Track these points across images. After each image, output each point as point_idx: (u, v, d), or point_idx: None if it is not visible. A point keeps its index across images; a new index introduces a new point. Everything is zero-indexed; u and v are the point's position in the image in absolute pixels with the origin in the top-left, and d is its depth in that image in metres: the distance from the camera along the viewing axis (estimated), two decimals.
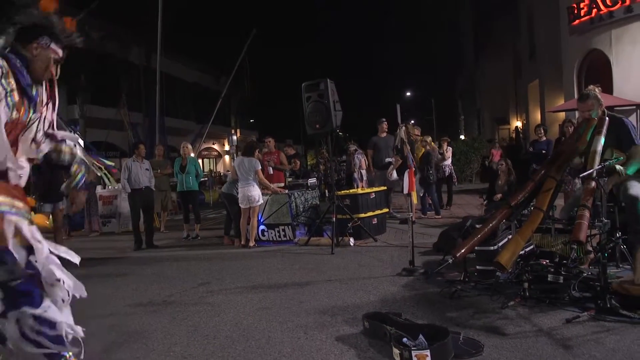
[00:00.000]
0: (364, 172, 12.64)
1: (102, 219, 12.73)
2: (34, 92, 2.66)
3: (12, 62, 2.56)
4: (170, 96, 26.60)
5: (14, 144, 2.62)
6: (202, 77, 40.78)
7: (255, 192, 8.39)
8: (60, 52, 2.74)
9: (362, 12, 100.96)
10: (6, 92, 2.49)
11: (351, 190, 9.72)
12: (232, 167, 8.76)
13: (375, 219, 8.94)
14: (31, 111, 2.66)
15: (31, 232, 2.54)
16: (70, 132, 11.83)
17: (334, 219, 7.92)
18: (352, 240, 8.09)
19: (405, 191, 6.15)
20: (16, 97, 2.55)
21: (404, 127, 6.88)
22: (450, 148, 13.16)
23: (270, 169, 10.05)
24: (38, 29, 2.68)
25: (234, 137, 35.39)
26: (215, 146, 42.90)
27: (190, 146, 10.40)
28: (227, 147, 43.54)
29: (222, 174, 30.15)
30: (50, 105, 2.80)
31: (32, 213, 2.72)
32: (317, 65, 51.54)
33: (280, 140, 18.44)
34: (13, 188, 2.61)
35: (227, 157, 44.32)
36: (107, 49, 27.30)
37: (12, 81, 2.54)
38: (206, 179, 23.26)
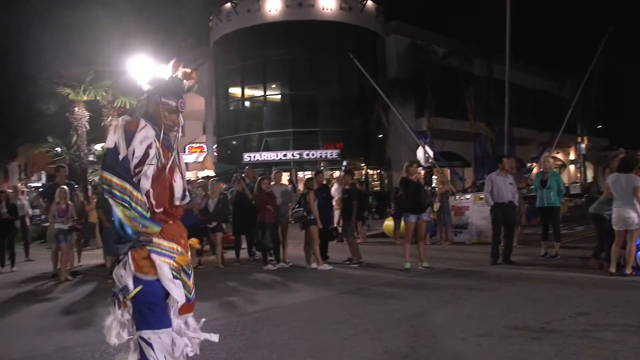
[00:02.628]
0: None
1: (453, 228, 13.06)
2: (167, 142, 3.22)
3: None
4: (512, 104, 26.05)
5: (170, 188, 3.18)
6: (545, 84, 38.88)
7: (634, 213, 7.36)
8: (172, 102, 3.20)
9: None
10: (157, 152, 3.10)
11: None
12: (606, 184, 7.89)
13: None
14: (171, 156, 3.23)
15: (165, 271, 3.04)
16: (422, 143, 12.57)
17: None
18: None
19: None
20: (159, 147, 3.13)
21: None
22: None
23: None
24: (152, 90, 3.25)
25: (582, 146, 32.60)
26: (559, 155, 40.30)
27: (551, 160, 9.82)
28: (572, 157, 40.54)
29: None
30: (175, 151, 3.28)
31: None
32: None
33: (631, 147, 16.10)
34: (169, 229, 3.15)
35: (571, 167, 41.25)
36: (451, 63, 28.40)
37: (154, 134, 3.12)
38: None
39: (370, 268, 9.57)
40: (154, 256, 3.03)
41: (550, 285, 7.16)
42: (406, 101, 27.25)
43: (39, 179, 39.04)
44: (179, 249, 3.16)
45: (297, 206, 10.06)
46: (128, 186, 2.96)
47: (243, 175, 11.34)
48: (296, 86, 29.24)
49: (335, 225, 10.93)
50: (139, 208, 2.97)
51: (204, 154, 23.48)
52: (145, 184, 3.06)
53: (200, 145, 33.86)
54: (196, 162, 20.47)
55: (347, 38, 29.11)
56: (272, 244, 9.75)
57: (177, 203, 3.26)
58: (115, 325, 3.13)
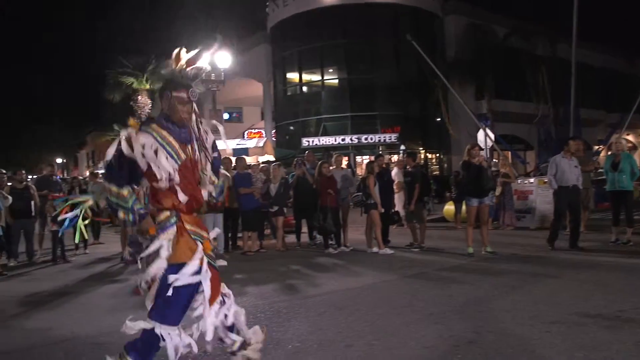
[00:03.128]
0: None
1: (516, 213, 12.73)
2: (185, 136, 3.36)
3: (161, 123, 3.31)
4: (578, 84, 25.07)
5: (196, 181, 3.42)
6: (613, 62, 37.07)
7: None
8: (183, 95, 3.33)
9: None
10: (162, 144, 3.21)
11: None
12: None
13: None
14: (196, 150, 3.41)
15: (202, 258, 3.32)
16: (483, 126, 12.32)
17: None
18: None
19: None
20: (175, 145, 3.28)
21: None
22: None
23: None
24: (163, 87, 3.43)
25: None
26: (630, 137, 38.42)
27: (624, 142, 9.40)
28: None
29: None
30: (195, 142, 3.43)
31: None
32: None
33: None
34: (196, 220, 3.42)
35: None
36: (512, 44, 27.49)
37: (167, 136, 3.27)
38: None
39: (432, 253, 9.49)
40: (198, 242, 3.34)
41: (623, 273, 6.89)
42: (466, 83, 26.62)
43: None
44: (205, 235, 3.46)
45: (356, 191, 10.06)
46: (113, 188, 3.19)
47: (304, 159, 11.40)
48: (353, 70, 29.07)
49: (395, 209, 10.85)
50: (121, 203, 3.20)
51: (264, 139, 23.77)
52: (162, 184, 3.26)
53: (259, 130, 34.29)
54: (257, 147, 20.73)
55: (404, 20, 28.68)
56: (334, 228, 9.79)
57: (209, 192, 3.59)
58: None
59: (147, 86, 25.73)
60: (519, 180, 13.35)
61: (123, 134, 3.22)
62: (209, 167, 3.55)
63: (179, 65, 3.40)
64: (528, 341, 4.20)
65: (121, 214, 3.20)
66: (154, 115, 3.56)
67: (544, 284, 6.39)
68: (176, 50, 3.43)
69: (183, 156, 3.33)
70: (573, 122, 14.59)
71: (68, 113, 46.92)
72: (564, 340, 4.19)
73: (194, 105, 3.44)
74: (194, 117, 3.47)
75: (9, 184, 10.27)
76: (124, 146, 3.17)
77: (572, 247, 8.91)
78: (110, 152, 3.19)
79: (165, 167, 3.22)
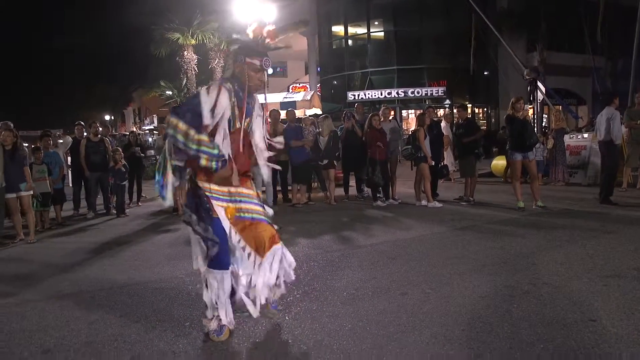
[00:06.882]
0: None
1: (569, 169, 12.42)
2: (248, 107, 3.42)
3: (233, 86, 3.34)
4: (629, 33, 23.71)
5: (244, 149, 3.46)
6: None
7: None
8: (256, 62, 3.38)
9: None
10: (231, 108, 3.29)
11: None
12: None
13: None
14: (248, 121, 3.45)
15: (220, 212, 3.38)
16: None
17: None
18: None
19: None
20: (236, 111, 3.33)
21: None
22: None
23: None
24: (237, 51, 3.43)
25: None
26: None
27: None
28: None
29: None
30: (254, 115, 3.53)
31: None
32: None
33: None
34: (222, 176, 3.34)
35: None
36: None
37: (234, 99, 3.32)
38: None
39: (481, 206, 9.39)
40: (212, 201, 3.36)
41: None
42: (517, 35, 25.58)
43: (151, 122, 41.38)
44: (231, 190, 3.44)
45: (405, 144, 9.99)
46: (192, 131, 3.14)
47: (353, 112, 11.28)
48: (400, 22, 28.32)
49: (444, 162, 10.75)
50: (205, 148, 3.18)
51: (311, 92, 23.61)
52: (219, 140, 3.29)
53: (304, 85, 34.10)
54: (304, 100, 20.58)
55: None
56: (382, 181, 9.78)
57: (261, 161, 3.62)
58: (197, 252, 3.54)
59: (193, 41, 25.82)
60: (571, 135, 12.94)
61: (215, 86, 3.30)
62: (262, 144, 3.61)
63: (257, 33, 3.42)
64: (585, 294, 4.17)
65: (204, 161, 3.19)
66: (225, 75, 3.64)
67: (600, 239, 6.27)
68: (257, 22, 3.46)
69: (238, 125, 3.37)
70: (634, 74, 13.92)
71: (115, 70, 47.67)
72: (623, 293, 4.13)
73: (265, 75, 3.46)
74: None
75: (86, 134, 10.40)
76: (217, 99, 3.24)
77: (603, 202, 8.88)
78: (205, 100, 3.21)
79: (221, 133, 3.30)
